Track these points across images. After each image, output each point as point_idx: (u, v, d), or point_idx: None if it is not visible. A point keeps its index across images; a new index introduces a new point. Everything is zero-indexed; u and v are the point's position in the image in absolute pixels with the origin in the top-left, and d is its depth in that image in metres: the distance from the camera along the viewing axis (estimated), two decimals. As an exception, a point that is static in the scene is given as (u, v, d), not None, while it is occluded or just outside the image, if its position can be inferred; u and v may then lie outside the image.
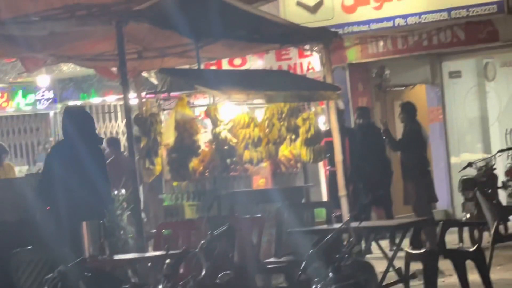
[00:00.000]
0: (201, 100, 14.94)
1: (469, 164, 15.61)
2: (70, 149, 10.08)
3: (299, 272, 7.64)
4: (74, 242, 10.31)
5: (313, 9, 16.65)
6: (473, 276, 10.23)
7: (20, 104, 21.07)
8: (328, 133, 14.20)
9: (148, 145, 13.08)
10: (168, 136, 13.34)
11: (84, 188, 9.82)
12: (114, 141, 17.05)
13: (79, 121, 10.42)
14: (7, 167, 16.67)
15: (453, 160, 18.41)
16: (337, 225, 10.80)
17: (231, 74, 15.56)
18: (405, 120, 15.57)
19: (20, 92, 20.69)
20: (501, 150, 16.18)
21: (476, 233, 13.70)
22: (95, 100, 20.55)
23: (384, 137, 15.77)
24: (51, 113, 20.83)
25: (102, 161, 10.79)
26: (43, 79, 19.60)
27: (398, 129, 16.78)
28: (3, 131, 20.70)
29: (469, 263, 10.25)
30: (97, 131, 12.08)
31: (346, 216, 12.69)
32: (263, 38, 12.98)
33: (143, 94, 14.00)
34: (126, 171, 12.38)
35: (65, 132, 10.60)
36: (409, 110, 15.57)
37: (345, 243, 7.63)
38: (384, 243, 13.13)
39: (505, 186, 15.43)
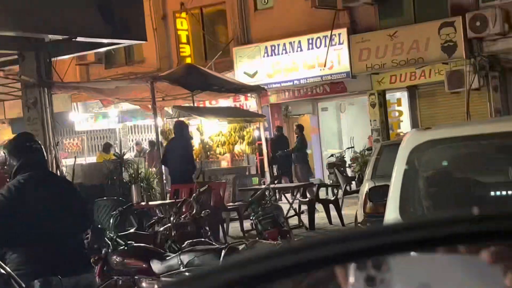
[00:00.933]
0: (194, 121, 17.03)
1: (332, 155, 19.56)
2: (179, 142, 13.26)
3: (245, 210, 10.69)
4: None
5: (252, 75, 19.76)
6: (333, 212, 13.06)
7: (99, 123, 23.04)
8: (259, 139, 17.00)
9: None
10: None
11: (184, 165, 12.86)
12: (151, 142, 18.95)
13: (183, 128, 13.48)
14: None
15: (324, 153, 21.19)
16: (263, 186, 12.04)
17: (210, 108, 17.99)
18: (298, 133, 19.14)
19: (100, 117, 22.76)
20: (348, 148, 19.99)
21: (335, 190, 15.16)
22: (140, 122, 22.45)
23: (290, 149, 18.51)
24: (117, 129, 22.89)
25: (192, 150, 13.35)
26: (112, 111, 21.59)
27: (294, 138, 19.71)
28: (89, 138, 22.87)
29: (331, 206, 13.15)
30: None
31: (268, 181, 14.00)
32: (227, 90, 15.73)
33: (165, 119, 16.46)
34: (157, 159, 14.86)
35: (176, 133, 13.50)
36: (300, 128, 19.22)
37: (267, 195, 10.59)
38: (288, 196, 14.65)
39: (350, 166, 18.28)
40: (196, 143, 15.94)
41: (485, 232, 0.68)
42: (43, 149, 5.48)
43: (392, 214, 4.31)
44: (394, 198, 4.34)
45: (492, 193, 4.61)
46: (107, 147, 17.96)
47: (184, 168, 12.73)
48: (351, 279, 0.71)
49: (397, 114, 19.65)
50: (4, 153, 5.31)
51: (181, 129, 13.52)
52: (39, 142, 5.53)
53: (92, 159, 18.93)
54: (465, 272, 0.69)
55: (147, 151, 18.73)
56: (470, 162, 4.89)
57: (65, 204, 5.16)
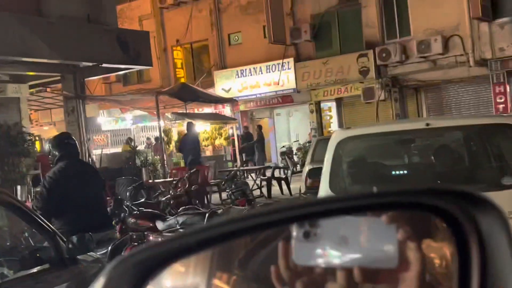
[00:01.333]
0: (186, 122, 14.83)
1: (283, 146, 19.44)
2: (190, 137, 13.38)
3: (222, 185, 11.04)
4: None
5: (228, 91, 19.49)
6: (284, 186, 12.99)
7: (119, 125, 22.51)
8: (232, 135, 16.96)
9: (167, 140, 15.36)
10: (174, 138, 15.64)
11: (194, 151, 12.86)
12: (157, 138, 17.57)
13: (192, 127, 13.61)
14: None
15: (278, 145, 20.92)
16: (235, 168, 13.41)
17: (198, 114, 17.84)
18: (257, 131, 19.07)
19: (119, 120, 22.38)
20: (294, 141, 19.80)
21: (285, 171, 15.40)
22: (148, 124, 21.78)
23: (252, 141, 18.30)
24: (132, 128, 22.30)
25: (198, 142, 13.17)
26: (128, 116, 21.21)
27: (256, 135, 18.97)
28: (112, 135, 21.98)
29: (283, 182, 13.03)
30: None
31: (238, 165, 15.89)
32: (209, 101, 16.19)
33: (165, 121, 16.37)
34: (160, 150, 14.27)
35: (188, 130, 13.51)
36: (259, 128, 19.24)
37: (238, 174, 11.42)
38: (252, 175, 14.26)
39: (295, 154, 18.35)
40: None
41: (382, 203, 0.71)
42: (77, 144, 5.43)
43: (324, 187, 4.27)
44: (326, 176, 4.30)
45: (393, 172, 4.60)
46: (128, 141, 17.54)
47: (193, 153, 12.59)
48: (294, 233, 0.73)
49: (328, 117, 19.18)
50: (49, 146, 5.28)
51: (191, 127, 13.48)
52: (74, 138, 5.46)
53: (116, 149, 18.45)
54: (370, 229, 0.71)
55: (153, 144, 18.38)
56: (378, 151, 4.86)
57: (90, 182, 5.16)
